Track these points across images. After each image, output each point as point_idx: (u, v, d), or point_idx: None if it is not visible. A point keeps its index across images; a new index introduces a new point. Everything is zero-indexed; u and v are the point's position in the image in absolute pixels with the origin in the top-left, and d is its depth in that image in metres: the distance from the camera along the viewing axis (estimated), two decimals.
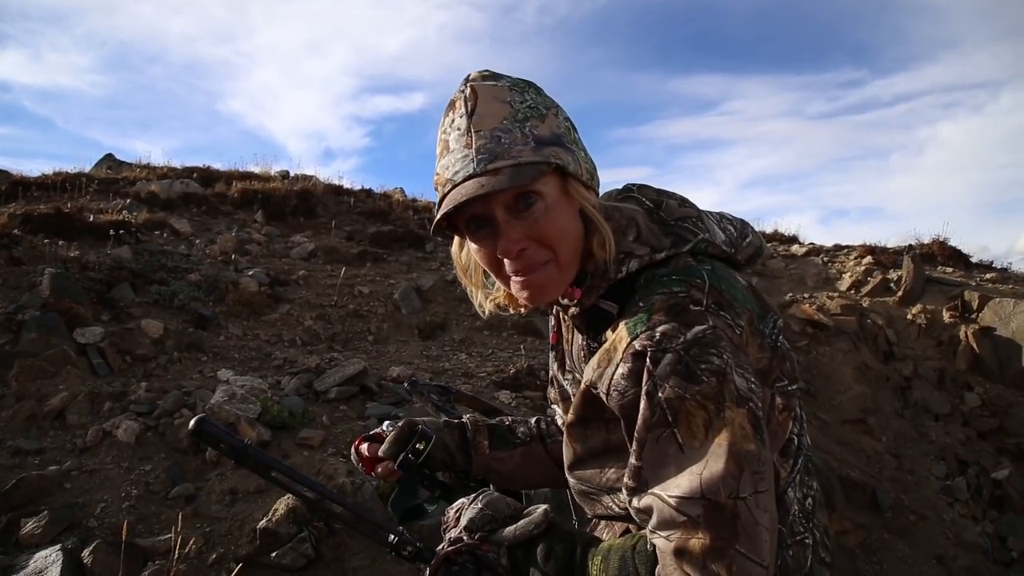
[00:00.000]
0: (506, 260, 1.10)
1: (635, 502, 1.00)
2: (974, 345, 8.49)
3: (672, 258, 1.11)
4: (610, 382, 1.03)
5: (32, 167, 9.56)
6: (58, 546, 3.31)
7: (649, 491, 0.97)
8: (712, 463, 0.92)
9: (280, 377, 5.26)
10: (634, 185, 1.22)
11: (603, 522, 1.26)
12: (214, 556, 3.45)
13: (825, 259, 11.23)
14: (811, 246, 12.27)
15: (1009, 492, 7.25)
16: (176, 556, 3.02)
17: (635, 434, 0.99)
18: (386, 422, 1.53)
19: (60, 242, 6.74)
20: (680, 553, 0.90)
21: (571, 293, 1.16)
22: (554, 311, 1.32)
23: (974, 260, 11.49)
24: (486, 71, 1.13)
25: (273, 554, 3.44)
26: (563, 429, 1.24)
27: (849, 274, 10.34)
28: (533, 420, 1.57)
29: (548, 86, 1.16)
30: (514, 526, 1.16)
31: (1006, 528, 6.90)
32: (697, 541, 0.89)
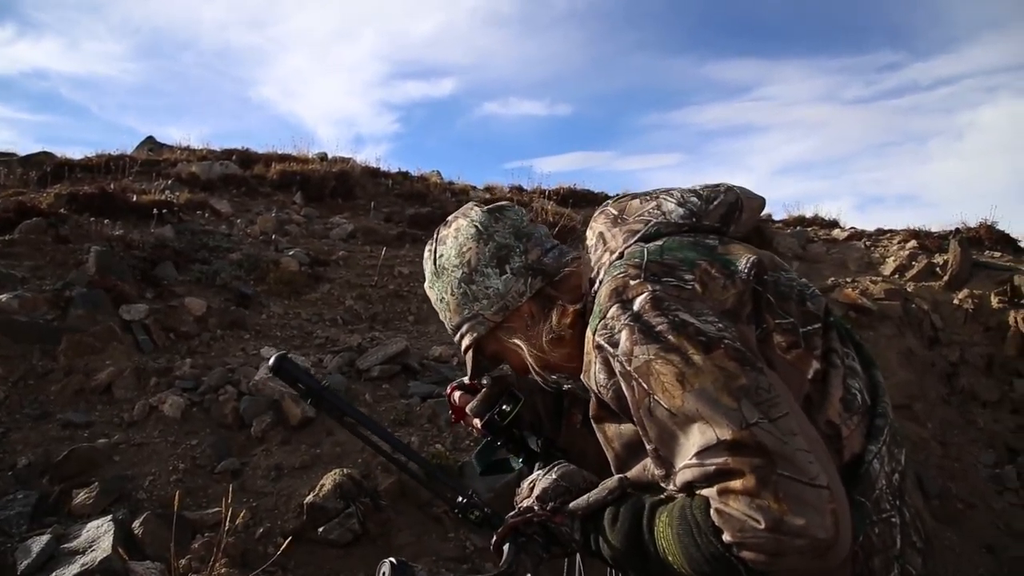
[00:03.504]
0: None
1: (673, 487, 1.01)
2: None
3: (626, 251, 1.18)
4: (595, 381, 1.11)
5: (70, 153, 9.73)
6: (109, 517, 3.34)
7: (677, 469, 0.98)
8: (709, 410, 0.93)
9: (322, 355, 5.27)
10: (610, 201, 1.33)
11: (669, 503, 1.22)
12: (261, 530, 3.47)
13: (867, 243, 10.99)
14: (852, 230, 11.99)
15: None
16: (226, 529, 3.03)
17: (635, 419, 1.04)
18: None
19: (105, 221, 6.83)
20: (725, 493, 0.91)
21: (571, 340, 1.27)
22: None
23: (1022, 244, 11.15)
24: (425, 262, 1.38)
25: (320, 529, 3.44)
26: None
27: (893, 258, 10.11)
28: None
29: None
30: (587, 495, 1.14)
31: None
32: (737, 481, 0.90)
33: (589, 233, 1.29)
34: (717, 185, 1.27)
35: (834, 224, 12.76)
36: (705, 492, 0.94)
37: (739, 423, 0.91)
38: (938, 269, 9.56)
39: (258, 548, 3.38)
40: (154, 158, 10.47)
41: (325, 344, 5.60)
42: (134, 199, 7.58)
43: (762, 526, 0.87)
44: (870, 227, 12.21)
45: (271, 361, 1.27)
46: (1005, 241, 10.94)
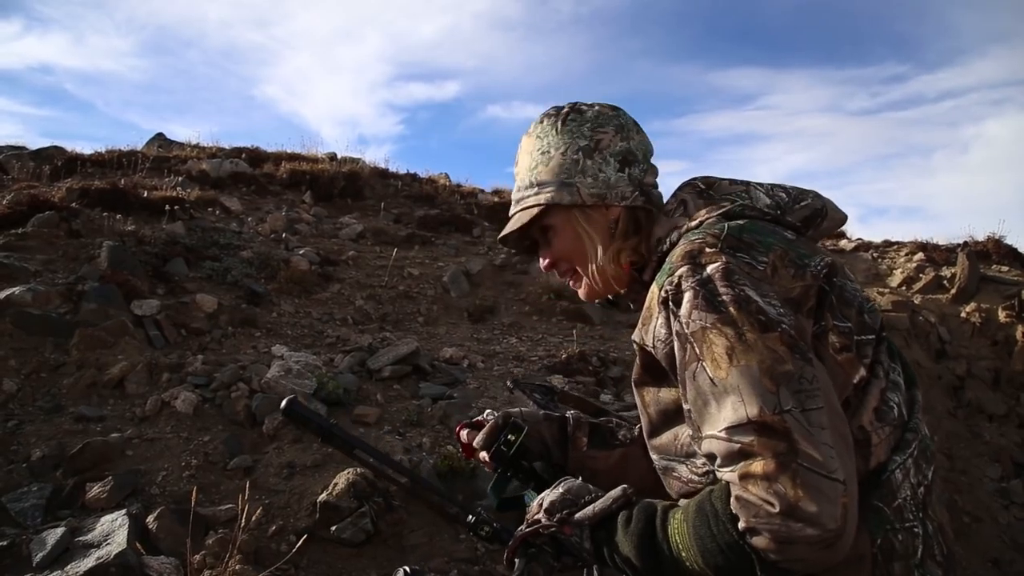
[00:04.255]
0: None
1: (699, 449, 1.04)
2: None
3: (706, 221, 1.19)
4: (653, 336, 1.12)
5: (78, 147, 9.77)
6: (123, 511, 3.35)
7: (704, 435, 1.00)
8: (749, 388, 0.95)
9: (333, 355, 5.28)
10: (699, 177, 1.31)
11: (683, 502, 1.24)
12: (274, 528, 3.48)
13: (875, 255, 10.98)
14: (860, 241, 11.96)
15: None
16: (241, 526, 3.03)
17: (679, 379, 1.06)
18: (487, 410, 1.56)
19: (116, 216, 6.84)
20: (745, 478, 0.93)
21: (624, 270, 1.30)
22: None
23: None
24: (542, 115, 1.36)
25: (333, 528, 3.45)
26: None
27: (900, 270, 10.11)
28: (637, 427, 1.56)
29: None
30: (593, 505, 1.17)
31: None
32: (758, 464, 0.92)
33: (671, 199, 1.29)
34: (807, 190, 1.28)
35: (841, 234, 12.73)
36: (727, 477, 0.97)
37: (773, 407, 0.93)
38: (946, 282, 9.56)
39: (270, 546, 3.39)
40: (164, 155, 10.48)
41: (336, 343, 5.61)
42: (145, 195, 7.60)
43: (776, 510, 0.90)
44: (876, 239, 12.20)
45: (282, 405, 1.31)
46: (1013, 256, 10.92)
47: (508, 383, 1.95)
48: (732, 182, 1.27)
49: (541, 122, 1.34)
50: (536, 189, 1.31)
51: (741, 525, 0.95)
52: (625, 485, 1.18)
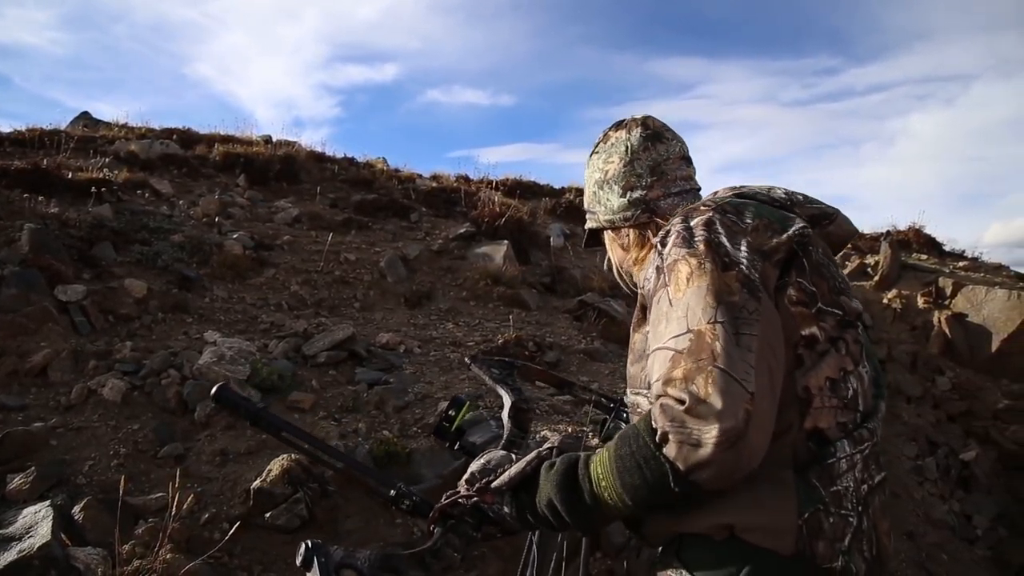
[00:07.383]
0: None
1: (649, 370, 1.13)
2: (947, 330, 8.66)
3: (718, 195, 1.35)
4: (644, 276, 1.25)
5: None
6: (47, 502, 3.25)
7: (652, 350, 1.11)
8: (695, 304, 1.07)
9: (267, 340, 5.21)
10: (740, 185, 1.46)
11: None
12: (207, 516, 3.43)
13: None
14: None
15: (975, 472, 7.46)
16: (172, 514, 2.99)
17: (650, 305, 1.19)
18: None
19: (39, 198, 6.56)
20: (668, 382, 1.02)
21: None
22: None
23: (947, 248, 11.68)
24: (600, 135, 1.56)
25: (267, 515, 3.42)
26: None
27: None
28: None
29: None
30: (508, 471, 1.21)
31: (972, 507, 7.11)
32: (680, 369, 1.02)
33: (709, 193, 1.43)
34: (829, 205, 1.42)
35: None
36: (656, 388, 1.05)
37: (708, 318, 1.03)
38: (869, 269, 9.95)
39: (203, 534, 3.34)
40: (90, 134, 10.08)
41: (270, 329, 5.53)
42: (70, 176, 7.32)
43: (684, 407, 0.97)
44: None
45: (212, 391, 1.36)
46: (931, 244, 11.45)
47: (466, 359, 1.97)
48: (761, 185, 1.41)
49: (598, 143, 1.56)
50: (586, 212, 1.60)
51: (658, 436, 1.01)
52: (540, 448, 1.22)
